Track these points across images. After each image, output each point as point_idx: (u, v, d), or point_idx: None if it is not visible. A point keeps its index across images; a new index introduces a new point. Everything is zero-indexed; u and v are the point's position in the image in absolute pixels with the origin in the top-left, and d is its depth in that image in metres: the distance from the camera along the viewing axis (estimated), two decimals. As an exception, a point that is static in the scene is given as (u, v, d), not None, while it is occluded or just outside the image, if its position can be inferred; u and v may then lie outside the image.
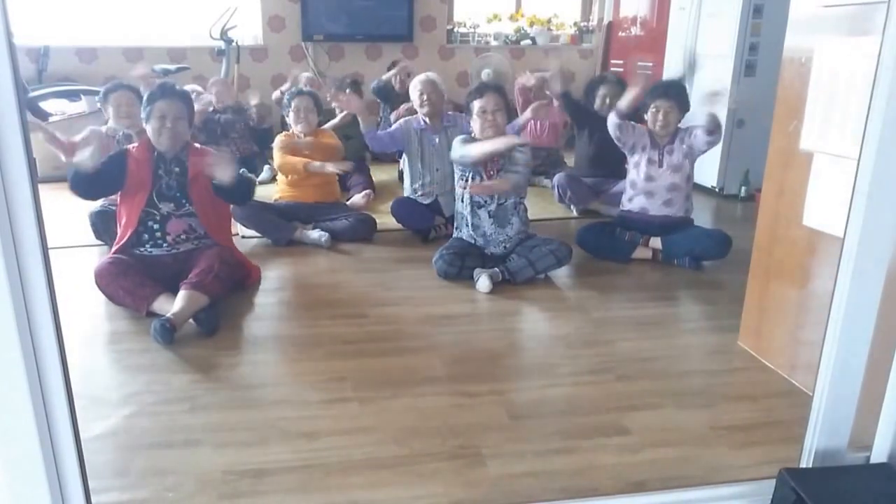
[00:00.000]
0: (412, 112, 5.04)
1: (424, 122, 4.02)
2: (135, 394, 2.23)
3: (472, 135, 3.35)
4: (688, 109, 3.62)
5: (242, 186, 2.98)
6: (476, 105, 3.26)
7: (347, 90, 4.85)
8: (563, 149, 5.37)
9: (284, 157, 3.97)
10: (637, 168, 3.62)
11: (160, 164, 2.94)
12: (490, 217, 3.30)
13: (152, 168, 2.92)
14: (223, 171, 2.81)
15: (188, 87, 4.08)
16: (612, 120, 3.60)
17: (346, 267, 3.51)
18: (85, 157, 2.75)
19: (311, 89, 4.26)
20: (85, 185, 2.82)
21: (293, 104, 3.97)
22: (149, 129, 2.92)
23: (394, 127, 4.10)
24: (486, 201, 3.30)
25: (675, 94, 3.58)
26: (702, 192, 4.82)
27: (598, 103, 4.55)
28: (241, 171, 2.94)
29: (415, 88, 4.03)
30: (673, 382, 2.37)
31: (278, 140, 4.03)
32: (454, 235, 3.46)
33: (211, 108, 5.28)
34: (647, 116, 3.60)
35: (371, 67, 6.80)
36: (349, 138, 4.84)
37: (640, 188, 3.59)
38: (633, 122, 3.64)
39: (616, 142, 3.66)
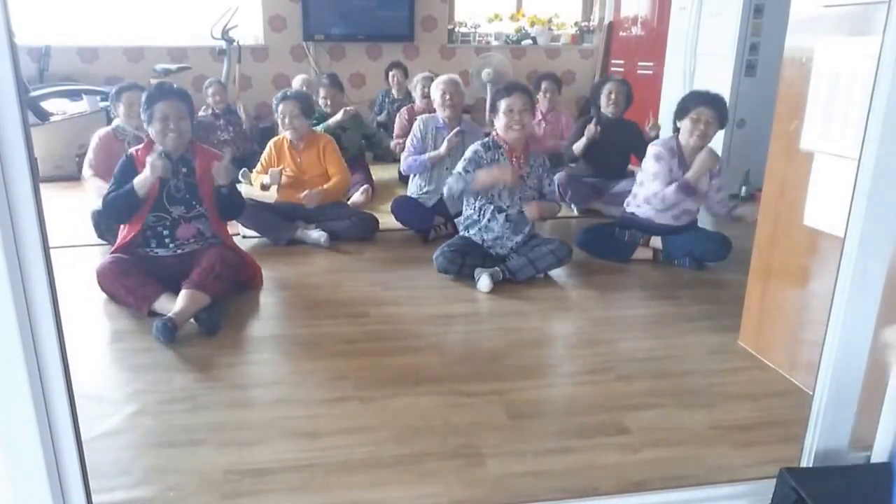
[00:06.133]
0: (411, 114, 5.07)
1: (444, 121, 4.03)
2: (136, 393, 2.24)
3: (493, 134, 3.32)
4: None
5: (237, 200, 3.14)
6: (503, 103, 3.20)
7: (326, 84, 4.99)
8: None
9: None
10: (656, 191, 3.40)
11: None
12: (507, 221, 3.29)
13: None
14: (225, 175, 2.95)
15: None
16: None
17: (347, 267, 3.51)
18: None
19: (297, 92, 4.12)
20: (115, 216, 2.98)
21: (279, 110, 3.85)
22: (152, 131, 2.89)
23: (414, 133, 4.07)
24: (507, 205, 3.29)
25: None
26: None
27: (603, 102, 4.53)
28: (240, 172, 2.96)
29: (437, 88, 4.03)
30: (673, 382, 2.37)
31: (269, 147, 3.98)
32: (459, 234, 3.45)
33: (208, 111, 5.29)
34: (683, 124, 3.35)
35: (372, 67, 6.81)
36: (345, 130, 4.84)
37: (653, 205, 3.44)
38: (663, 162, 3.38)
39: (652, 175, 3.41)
